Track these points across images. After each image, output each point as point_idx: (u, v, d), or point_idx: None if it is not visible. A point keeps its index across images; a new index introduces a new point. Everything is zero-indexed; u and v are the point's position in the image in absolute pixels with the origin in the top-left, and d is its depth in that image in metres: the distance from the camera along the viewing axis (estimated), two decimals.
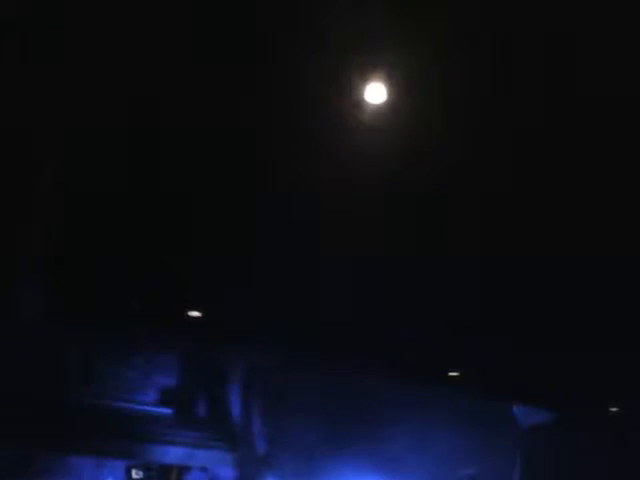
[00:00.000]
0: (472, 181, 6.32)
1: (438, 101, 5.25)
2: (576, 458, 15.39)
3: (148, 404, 12.90)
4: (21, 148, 6.15)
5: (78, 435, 11.56)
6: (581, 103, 5.13)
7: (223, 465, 13.21)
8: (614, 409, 15.42)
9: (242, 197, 6.84)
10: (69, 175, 6.64)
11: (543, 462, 16.00)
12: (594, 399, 14.96)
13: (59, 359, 11.92)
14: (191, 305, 10.51)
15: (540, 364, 12.49)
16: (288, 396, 13.89)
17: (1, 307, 9.36)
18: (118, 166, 6.43)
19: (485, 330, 10.75)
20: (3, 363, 10.66)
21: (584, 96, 5.05)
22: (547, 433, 16.28)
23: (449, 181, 6.33)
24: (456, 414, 15.47)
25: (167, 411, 13.07)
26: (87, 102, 5.44)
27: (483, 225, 7.12)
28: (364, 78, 4.94)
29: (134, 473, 12.49)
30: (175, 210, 7.24)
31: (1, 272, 8.47)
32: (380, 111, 5.29)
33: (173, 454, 12.66)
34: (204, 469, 13.15)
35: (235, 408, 13.84)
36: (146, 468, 12.61)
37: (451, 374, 13.82)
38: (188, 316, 10.89)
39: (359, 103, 5.20)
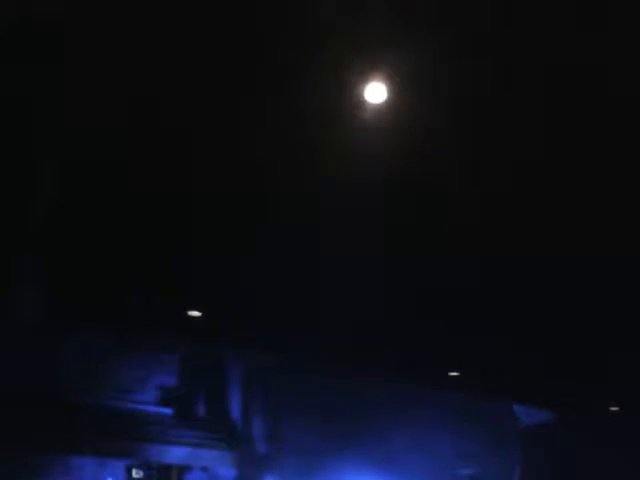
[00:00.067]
0: (472, 181, 6.33)
1: (438, 101, 5.25)
2: (576, 458, 15.39)
3: (148, 404, 12.90)
4: (21, 147, 6.16)
5: (78, 435, 11.55)
6: (581, 103, 5.13)
7: (223, 465, 13.21)
8: (614, 409, 15.42)
9: (242, 197, 6.84)
10: (69, 174, 6.64)
11: (543, 462, 16.00)
12: (594, 399, 14.97)
13: (59, 359, 11.92)
14: (191, 305, 10.50)
15: (540, 364, 12.49)
16: (288, 396, 13.89)
17: (1, 307, 9.37)
18: (118, 165, 6.43)
19: (485, 330, 10.75)
20: (3, 363, 10.67)
21: (584, 96, 5.05)
22: (547, 433, 16.27)
23: (449, 181, 6.33)
24: (456, 414, 15.49)
25: (167, 411, 13.06)
26: (88, 102, 5.44)
27: (483, 225, 7.12)
28: (364, 78, 4.93)
29: (134, 473, 12.49)
30: (175, 210, 7.24)
31: (1, 272, 8.48)
32: (380, 111, 5.29)
33: (173, 454, 12.67)
34: (204, 469, 13.15)
35: (235, 408, 13.84)
36: (146, 468, 12.62)
37: (451, 374, 13.82)
38: (188, 316, 10.88)
39: (359, 103, 5.19)
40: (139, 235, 7.99)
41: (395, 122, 5.44)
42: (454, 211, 6.88)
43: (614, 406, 15.29)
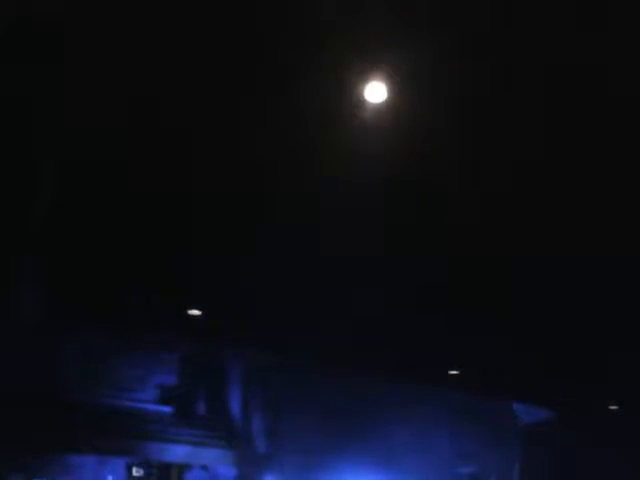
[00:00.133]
0: (472, 181, 6.32)
1: (438, 100, 5.25)
2: (576, 456, 15.40)
3: (148, 402, 12.92)
4: (21, 147, 6.16)
5: (79, 434, 11.57)
6: (581, 103, 5.13)
7: (223, 463, 13.22)
8: (613, 408, 15.43)
9: (242, 197, 6.84)
10: (69, 174, 6.64)
11: (543, 460, 16.01)
12: (594, 398, 14.97)
13: (59, 358, 11.93)
14: (191, 304, 10.50)
15: (540, 363, 12.49)
16: (288, 394, 13.90)
17: (1, 307, 9.37)
18: (118, 165, 6.43)
19: (485, 329, 10.75)
20: (3, 363, 10.67)
21: (584, 96, 5.05)
22: (547, 431, 16.28)
23: (449, 180, 6.33)
24: (456, 413, 15.50)
25: (167, 409, 13.08)
26: (88, 102, 5.44)
27: (483, 224, 7.12)
28: (364, 77, 4.93)
29: (134, 471, 12.51)
30: (175, 210, 7.24)
31: (1, 272, 8.48)
32: (380, 110, 5.28)
33: (173, 452, 12.69)
34: (204, 467, 13.17)
35: (235, 406, 13.85)
36: (146, 466, 12.64)
37: (451, 373, 13.82)
38: (188, 315, 10.89)
39: (359, 102, 5.19)
40: (139, 235, 7.99)
41: (395, 122, 5.44)
42: (454, 211, 6.88)
43: (613, 405, 15.31)
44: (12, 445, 10.77)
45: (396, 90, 5.04)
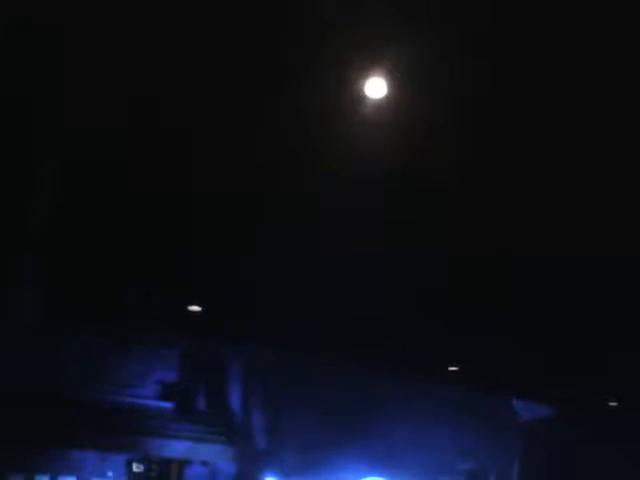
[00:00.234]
0: (472, 177, 6.33)
1: (438, 96, 5.24)
2: (575, 452, 15.45)
3: (148, 398, 12.95)
4: (21, 147, 6.15)
5: (80, 430, 11.59)
6: (582, 101, 5.13)
7: (223, 459, 13.25)
8: (613, 404, 15.48)
9: (242, 197, 6.84)
10: (69, 174, 6.63)
11: (543, 456, 16.06)
12: (593, 394, 15.02)
13: (59, 356, 11.94)
14: (191, 300, 10.51)
15: (540, 359, 12.52)
16: (288, 390, 13.92)
17: (1, 307, 9.37)
18: (118, 165, 6.42)
19: (485, 325, 10.77)
20: (4, 362, 10.68)
21: (585, 94, 5.05)
22: (547, 427, 16.32)
23: (449, 177, 6.33)
24: (456, 409, 15.52)
25: (168, 405, 13.11)
26: (88, 102, 5.43)
27: (483, 220, 7.12)
28: (364, 73, 4.92)
29: (135, 467, 12.54)
30: (175, 209, 7.24)
31: (1, 272, 8.48)
32: (380, 105, 5.28)
33: (174, 448, 12.71)
34: (205, 463, 13.20)
35: (235, 402, 13.88)
36: (147, 462, 12.67)
37: (451, 369, 13.85)
38: (188, 311, 10.89)
39: (359, 98, 5.18)
40: (139, 234, 7.99)
41: (395, 117, 5.43)
42: (454, 207, 6.88)
43: (613, 401, 15.36)
44: (13, 444, 10.79)
45: (396, 86, 5.03)
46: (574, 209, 6.69)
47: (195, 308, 10.80)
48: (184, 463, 13.00)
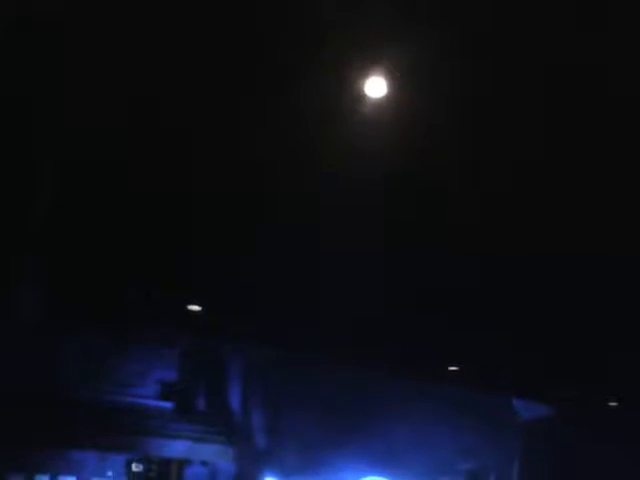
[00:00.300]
0: (472, 177, 6.33)
1: (438, 95, 5.24)
2: (575, 452, 15.44)
3: (148, 398, 12.95)
4: (21, 147, 6.15)
5: (79, 430, 11.59)
6: (581, 102, 5.13)
7: (223, 459, 13.24)
8: (613, 404, 15.48)
9: (243, 194, 6.84)
10: (69, 174, 6.63)
11: (542, 456, 16.05)
12: (593, 394, 15.01)
13: (59, 356, 11.94)
14: (191, 299, 10.51)
15: (540, 359, 12.52)
16: (288, 390, 13.92)
17: (1, 307, 9.36)
18: (118, 165, 6.42)
19: (485, 325, 10.76)
20: (5, 361, 10.68)
21: (584, 96, 5.05)
22: (546, 427, 16.31)
23: (449, 177, 6.33)
24: (456, 409, 15.51)
25: (167, 405, 13.11)
26: (88, 102, 5.43)
27: (483, 221, 7.12)
28: (364, 72, 4.92)
29: (134, 467, 12.54)
30: (175, 209, 7.25)
31: (1, 272, 8.47)
32: (380, 105, 5.28)
33: (173, 448, 12.71)
34: (204, 463, 13.19)
35: (235, 402, 13.87)
36: (146, 462, 12.67)
37: (451, 369, 13.85)
38: (188, 310, 10.90)
39: (360, 97, 5.18)
40: (139, 234, 7.99)
41: (395, 117, 5.43)
42: (454, 208, 6.88)
43: (613, 401, 15.36)
44: (13, 444, 10.79)
45: (396, 85, 5.03)
46: (574, 210, 6.69)
47: (195, 307, 10.80)
48: (184, 463, 13.00)
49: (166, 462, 12.86)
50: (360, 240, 7.73)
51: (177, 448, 12.73)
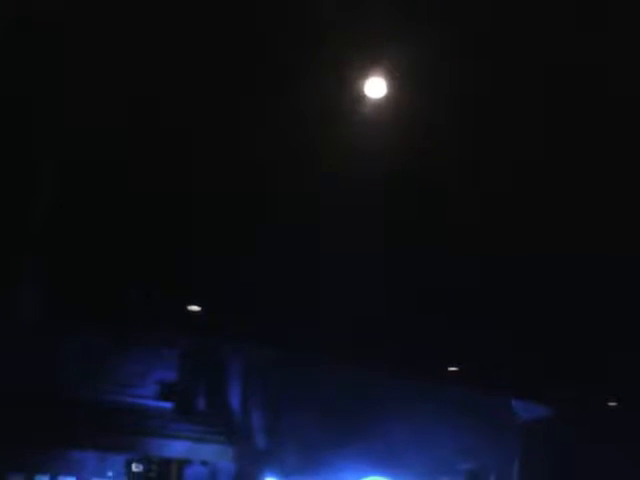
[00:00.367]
0: (472, 177, 6.33)
1: (437, 96, 5.25)
2: (575, 452, 15.44)
3: (148, 398, 12.95)
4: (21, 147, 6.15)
5: (79, 430, 11.59)
6: (581, 103, 5.13)
7: (223, 459, 13.24)
8: (612, 404, 15.47)
9: (243, 194, 6.84)
10: (69, 174, 6.63)
11: (542, 456, 16.04)
12: (593, 394, 15.01)
13: (59, 356, 11.94)
14: (191, 300, 10.51)
15: (539, 360, 12.51)
16: (288, 390, 13.91)
17: (1, 307, 9.37)
18: (118, 165, 6.42)
19: (485, 325, 10.76)
20: (5, 361, 10.68)
21: (584, 96, 5.05)
22: (546, 427, 16.30)
23: (449, 177, 6.33)
24: (455, 409, 15.49)
25: (167, 405, 13.11)
26: (88, 102, 5.43)
27: (482, 221, 7.13)
28: (364, 73, 4.93)
29: (134, 467, 12.55)
30: (175, 209, 7.25)
31: (1, 272, 8.47)
32: (380, 105, 5.28)
33: (173, 448, 12.71)
34: (204, 463, 13.19)
35: (235, 402, 13.87)
36: (146, 462, 12.67)
37: (451, 369, 13.84)
38: (188, 311, 10.89)
39: (359, 98, 5.18)
40: (139, 234, 8.00)
41: (395, 117, 5.44)
42: (454, 208, 6.88)
43: (612, 401, 15.35)
44: (13, 444, 10.79)
45: (396, 86, 5.03)
46: (573, 210, 6.70)
47: (195, 308, 10.80)
48: (184, 463, 13.00)
49: (166, 462, 12.87)
50: (360, 240, 7.73)
51: (177, 448, 12.74)
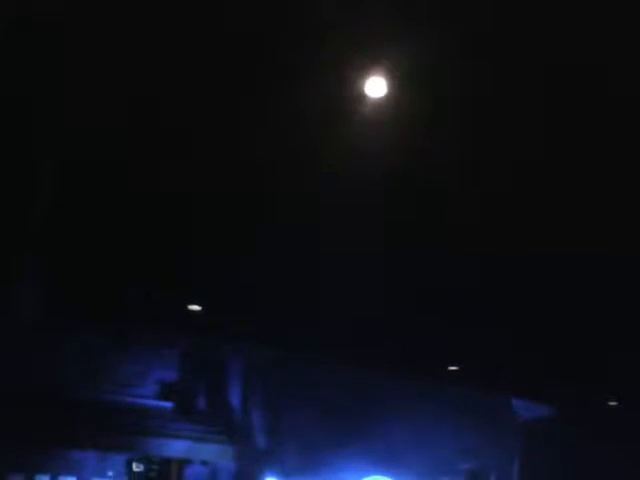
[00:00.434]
0: (472, 177, 6.33)
1: (438, 95, 5.25)
2: (575, 452, 15.43)
3: (148, 398, 12.94)
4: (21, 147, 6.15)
5: (80, 430, 11.59)
6: (581, 102, 5.13)
7: (223, 458, 13.23)
8: (613, 403, 15.47)
9: (243, 194, 6.84)
10: (69, 174, 6.63)
11: (543, 456, 16.03)
12: (593, 393, 15.01)
13: (59, 356, 11.95)
14: (191, 299, 10.51)
15: (540, 359, 12.52)
16: (288, 390, 13.91)
17: (2, 306, 9.37)
18: (118, 165, 6.42)
19: (485, 325, 10.76)
20: (5, 361, 10.68)
21: (584, 95, 5.05)
22: (546, 427, 16.30)
23: (449, 177, 6.33)
24: (456, 409, 15.49)
25: (167, 405, 13.10)
26: (88, 102, 5.43)
27: (482, 221, 7.13)
28: (364, 72, 4.92)
29: (135, 466, 12.54)
30: (175, 209, 7.25)
31: (2, 271, 8.48)
32: (380, 105, 5.28)
33: (173, 447, 12.71)
34: (205, 463, 13.19)
35: (235, 402, 13.87)
36: (147, 461, 12.67)
37: (451, 368, 13.84)
38: (188, 310, 10.90)
39: (360, 97, 5.18)
40: (139, 234, 8.00)
41: (395, 117, 5.44)
42: (454, 208, 6.89)
43: (613, 401, 15.35)
44: (13, 444, 10.79)
45: (396, 85, 5.03)
46: (574, 210, 6.70)
47: (195, 307, 10.80)
48: (184, 463, 12.99)
49: (166, 462, 12.86)
50: (360, 240, 7.73)
51: (177, 448, 12.73)
